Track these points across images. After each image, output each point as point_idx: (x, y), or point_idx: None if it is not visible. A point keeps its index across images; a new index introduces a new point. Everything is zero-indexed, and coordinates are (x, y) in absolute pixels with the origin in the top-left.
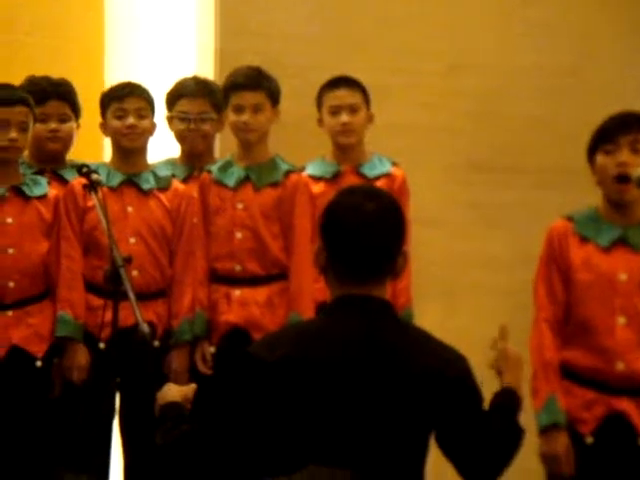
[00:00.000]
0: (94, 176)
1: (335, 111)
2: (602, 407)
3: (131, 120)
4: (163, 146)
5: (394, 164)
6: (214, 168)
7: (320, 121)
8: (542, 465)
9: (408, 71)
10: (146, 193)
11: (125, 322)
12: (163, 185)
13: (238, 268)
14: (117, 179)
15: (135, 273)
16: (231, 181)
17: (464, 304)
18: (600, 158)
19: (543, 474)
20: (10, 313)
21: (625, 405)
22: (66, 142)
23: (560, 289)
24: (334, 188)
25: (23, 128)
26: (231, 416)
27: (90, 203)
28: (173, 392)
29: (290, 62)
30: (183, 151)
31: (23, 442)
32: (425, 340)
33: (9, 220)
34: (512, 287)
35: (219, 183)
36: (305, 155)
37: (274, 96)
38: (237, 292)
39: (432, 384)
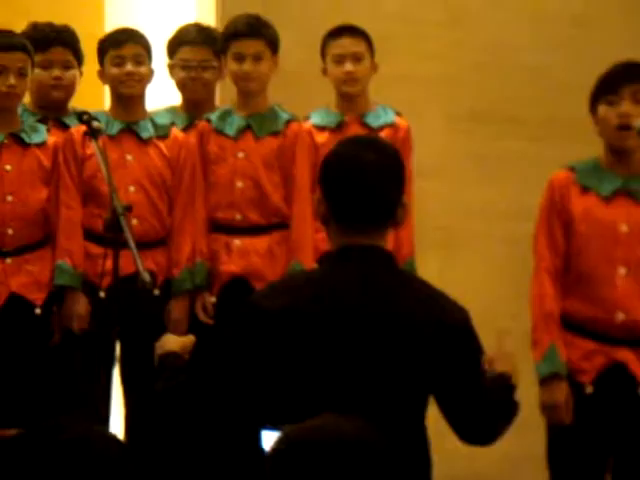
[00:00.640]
0: (95, 123)
1: (339, 60)
2: (602, 357)
3: (129, 67)
4: (164, 94)
5: (398, 114)
6: (213, 117)
7: (324, 70)
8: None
9: (410, 21)
10: (145, 141)
11: (125, 270)
12: (162, 133)
13: (238, 217)
14: (116, 127)
15: (135, 222)
16: (231, 130)
17: (463, 254)
18: (602, 108)
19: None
20: (9, 260)
21: (625, 355)
22: (69, 90)
23: (561, 239)
24: (338, 138)
25: (22, 74)
26: (233, 364)
27: (89, 151)
28: (171, 342)
29: (292, 10)
30: (184, 99)
31: (23, 389)
32: (426, 290)
33: (8, 167)
34: (512, 238)
35: (219, 132)
36: (306, 104)
37: (274, 44)
38: (237, 242)
39: (432, 333)
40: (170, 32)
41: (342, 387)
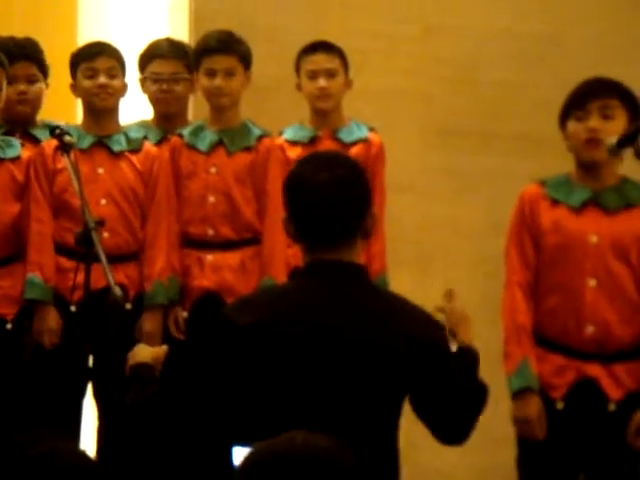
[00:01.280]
0: (67, 138)
1: (313, 76)
2: (573, 373)
3: (102, 80)
4: (136, 108)
5: (371, 129)
6: (185, 132)
7: (298, 86)
8: (513, 429)
9: (384, 36)
10: (117, 155)
11: (96, 285)
12: (135, 147)
13: (211, 232)
14: (88, 141)
15: (106, 235)
16: (203, 145)
17: (436, 269)
18: (571, 124)
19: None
20: None
21: (595, 371)
22: (35, 104)
23: (531, 253)
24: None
25: None
26: (204, 380)
27: (60, 165)
28: (143, 353)
29: (264, 25)
30: (156, 113)
31: None
32: (398, 304)
33: None
34: (485, 253)
35: (191, 147)
36: (280, 118)
37: (246, 60)
38: (210, 257)
39: (405, 347)
40: (142, 46)
41: (313, 403)
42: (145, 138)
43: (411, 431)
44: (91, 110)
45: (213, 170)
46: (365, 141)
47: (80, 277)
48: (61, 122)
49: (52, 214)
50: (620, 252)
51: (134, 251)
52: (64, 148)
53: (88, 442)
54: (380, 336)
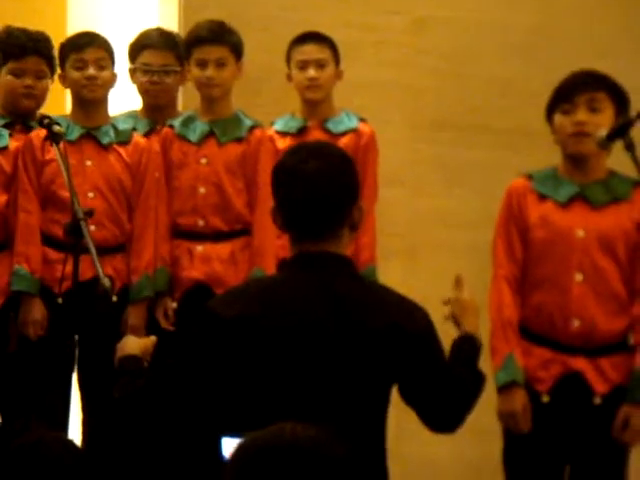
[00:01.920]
0: (56, 128)
1: (303, 66)
2: (558, 366)
3: (91, 71)
4: (125, 99)
5: (362, 120)
6: (176, 123)
7: (289, 76)
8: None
9: (374, 29)
10: (105, 147)
11: (84, 276)
12: (123, 139)
13: (201, 223)
14: (76, 133)
15: (93, 228)
16: (194, 136)
17: (426, 262)
18: (558, 117)
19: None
20: None
21: (581, 364)
22: (40, 99)
23: (519, 247)
24: None
25: None
26: (189, 372)
27: (49, 156)
28: (132, 345)
29: (255, 15)
30: (145, 104)
31: None
32: (384, 295)
33: None
34: (475, 246)
35: (182, 138)
36: (270, 109)
37: (237, 50)
38: (200, 248)
39: (392, 338)
40: (132, 36)
41: (301, 394)
42: (134, 130)
43: (400, 422)
44: (80, 101)
45: (204, 161)
46: (355, 131)
47: (68, 268)
48: (49, 113)
49: (40, 205)
50: (607, 247)
51: (121, 243)
52: (53, 138)
53: (74, 433)
54: (366, 326)
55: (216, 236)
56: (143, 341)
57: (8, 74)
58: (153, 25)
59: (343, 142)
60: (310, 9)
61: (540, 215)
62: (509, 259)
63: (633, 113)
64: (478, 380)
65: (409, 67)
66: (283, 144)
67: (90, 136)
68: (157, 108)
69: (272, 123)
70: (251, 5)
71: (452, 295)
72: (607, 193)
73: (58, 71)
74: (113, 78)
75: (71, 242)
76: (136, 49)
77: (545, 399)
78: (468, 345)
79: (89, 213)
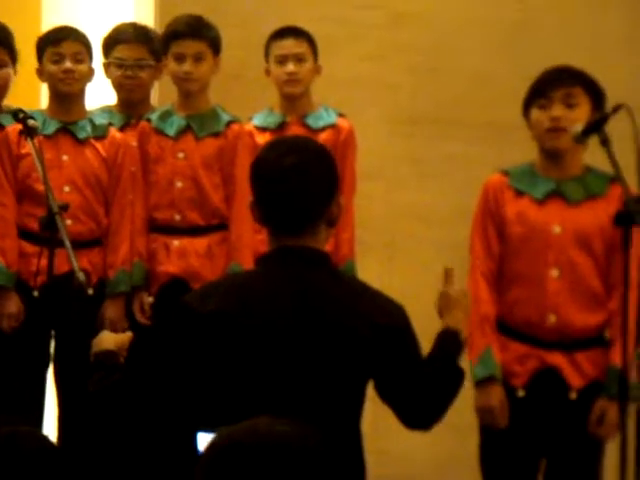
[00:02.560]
0: (30, 122)
1: (281, 60)
2: (534, 361)
3: (68, 64)
4: (100, 93)
5: (341, 115)
6: (153, 117)
7: (267, 71)
8: (477, 417)
9: (351, 23)
10: (82, 142)
11: (59, 269)
12: (100, 133)
13: (178, 217)
14: (52, 127)
15: (69, 222)
16: (171, 130)
17: (403, 257)
18: (534, 112)
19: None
20: None
21: (557, 359)
22: (2, 88)
23: (495, 243)
24: None
25: None
26: (164, 366)
27: (24, 150)
28: (108, 340)
29: (232, 10)
30: (120, 99)
31: None
32: (361, 290)
33: None
34: (451, 241)
35: (159, 132)
36: (246, 105)
37: (215, 45)
38: (176, 242)
39: (368, 333)
40: (107, 31)
41: (276, 389)
42: (110, 124)
43: (377, 417)
44: (57, 95)
45: (181, 155)
46: (334, 127)
47: (43, 262)
48: (25, 107)
49: (16, 199)
50: (583, 243)
51: (97, 237)
52: (28, 132)
53: (49, 427)
54: (342, 321)
55: (193, 230)
56: (119, 336)
57: None
58: (128, 19)
59: (322, 137)
60: (287, 4)
61: (516, 211)
62: (486, 254)
63: (609, 108)
64: (456, 377)
65: (386, 62)
66: (262, 139)
67: (66, 130)
68: (131, 103)
69: (250, 118)
70: (227, 0)
71: (440, 288)
72: (583, 189)
73: (36, 65)
74: (90, 72)
75: (46, 236)
76: (110, 43)
77: (521, 394)
78: (450, 340)
79: (64, 207)
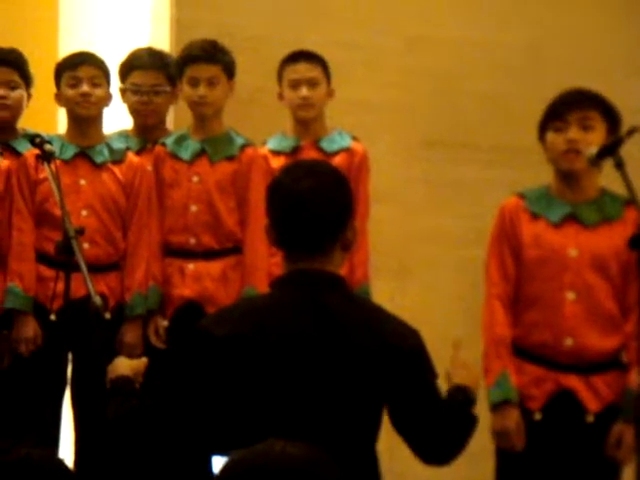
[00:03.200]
0: (47, 146)
1: (295, 85)
2: (551, 384)
3: (85, 88)
4: (118, 117)
5: (355, 139)
6: (169, 141)
7: (280, 95)
8: (491, 441)
9: (365, 48)
10: (99, 166)
11: (76, 293)
12: (117, 158)
13: (192, 241)
14: (70, 152)
15: (86, 246)
16: (186, 154)
17: (416, 280)
18: (550, 135)
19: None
20: None
21: (573, 382)
22: (14, 110)
23: (511, 266)
24: None
25: None
26: (182, 391)
27: (42, 175)
28: (123, 366)
29: (246, 35)
30: (136, 124)
31: None
32: (376, 314)
33: None
34: (465, 264)
35: (174, 156)
36: (258, 129)
37: (230, 69)
38: (191, 266)
39: (383, 357)
40: (124, 55)
41: (292, 413)
42: (128, 149)
43: (390, 440)
44: (74, 119)
45: (195, 179)
46: (348, 150)
47: (60, 286)
48: (42, 132)
49: (34, 224)
50: (599, 266)
51: (115, 261)
52: (45, 157)
53: (66, 451)
54: (357, 345)
55: (207, 254)
56: (134, 362)
57: None
58: (145, 44)
59: (336, 161)
60: (301, 28)
61: (533, 234)
62: (502, 278)
63: (623, 131)
64: (470, 421)
65: (400, 86)
66: (277, 163)
67: (84, 155)
68: (147, 128)
69: (264, 142)
70: (242, 25)
71: (452, 356)
72: (599, 212)
73: (54, 91)
74: (108, 97)
75: (63, 260)
76: (126, 69)
77: (537, 417)
78: (462, 394)
79: (80, 231)
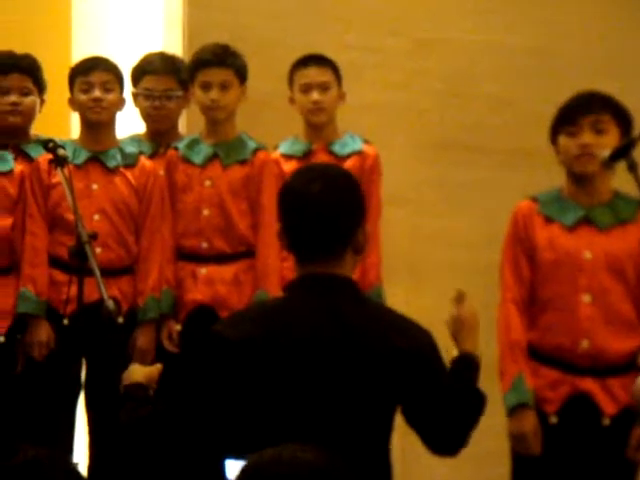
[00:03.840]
0: (60, 151)
1: (306, 89)
2: (567, 387)
3: (97, 93)
4: (131, 122)
5: (366, 142)
6: (181, 145)
7: (291, 99)
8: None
9: (376, 50)
10: (112, 170)
11: (89, 298)
12: (130, 162)
13: (205, 245)
14: (83, 156)
15: (98, 250)
16: (199, 158)
17: (429, 283)
18: (563, 139)
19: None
20: None
21: (589, 385)
22: (27, 116)
23: (526, 269)
24: None
25: None
26: (197, 396)
27: (55, 179)
28: (137, 372)
29: (258, 39)
30: (148, 128)
31: None
32: (388, 316)
33: None
34: (477, 266)
35: (186, 160)
36: (270, 132)
37: (242, 73)
38: (203, 270)
39: (396, 360)
40: (136, 60)
41: (305, 416)
42: (141, 153)
43: (403, 445)
44: (87, 124)
45: (208, 183)
46: (360, 153)
47: (73, 290)
48: (55, 137)
49: (47, 228)
50: (615, 268)
51: (127, 266)
52: (58, 162)
53: (80, 455)
54: (370, 347)
55: (220, 258)
56: (148, 369)
57: None
58: (157, 48)
59: (348, 164)
60: (312, 32)
61: (547, 238)
62: (516, 281)
63: (635, 133)
64: (479, 401)
65: (410, 88)
66: (289, 167)
67: (97, 159)
68: (159, 132)
69: (276, 146)
70: (253, 29)
71: (452, 312)
72: (613, 215)
73: (68, 96)
74: (120, 101)
75: (76, 265)
76: (138, 74)
77: (553, 420)
78: (466, 365)
79: (93, 236)
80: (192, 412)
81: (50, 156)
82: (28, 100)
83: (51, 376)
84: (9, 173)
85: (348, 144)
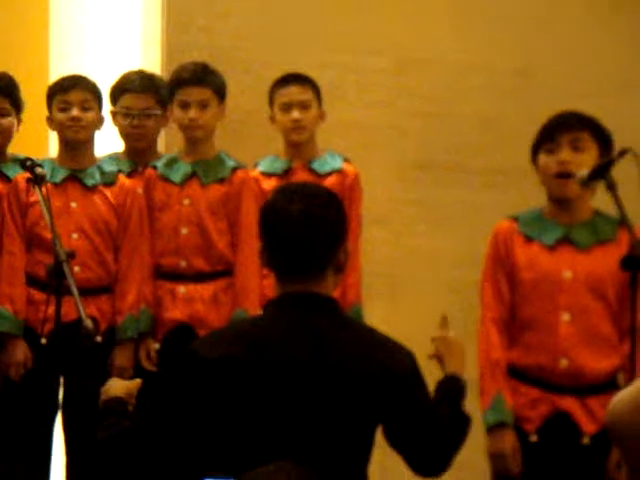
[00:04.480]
0: (38, 170)
1: (286, 108)
2: (547, 406)
3: (75, 112)
4: (110, 140)
5: (346, 160)
6: (159, 164)
7: (272, 118)
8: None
9: (357, 69)
10: (90, 189)
11: (67, 317)
12: (109, 180)
13: (183, 264)
14: (61, 175)
15: (77, 269)
16: (177, 177)
17: (409, 302)
18: (542, 157)
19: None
20: None
21: (569, 404)
22: (5, 137)
23: (506, 289)
24: None
25: None
26: (172, 414)
27: (33, 198)
28: (117, 387)
29: (237, 57)
30: (127, 147)
31: None
32: (370, 336)
33: None
34: (457, 285)
35: (165, 179)
36: (252, 151)
37: (220, 92)
38: (182, 288)
39: (377, 380)
40: (115, 79)
41: (284, 434)
42: (119, 171)
43: (384, 462)
44: (65, 143)
45: (186, 202)
46: (340, 172)
47: (51, 309)
48: (33, 156)
49: (25, 247)
50: (594, 288)
51: (106, 284)
52: (36, 180)
53: (57, 475)
54: (351, 367)
55: (198, 277)
56: (128, 384)
57: None
58: (136, 67)
59: (328, 182)
60: (293, 50)
61: (527, 257)
62: (497, 301)
63: (614, 153)
64: (463, 423)
65: (393, 107)
66: (268, 185)
67: (75, 178)
68: (138, 151)
69: (256, 164)
70: (233, 48)
71: (438, 334)
72: (593, 234)
73: (46, 114)
74: (99, 120)
75: (53, 283)
76: (117, 92)
77: (533, 439)
78: (452, 386)
79: (71, 255)
80: (167, 431)
81: (28, 175)
82: (6, 121)
83: (28, 396)
84: None
85: (328, 162)
